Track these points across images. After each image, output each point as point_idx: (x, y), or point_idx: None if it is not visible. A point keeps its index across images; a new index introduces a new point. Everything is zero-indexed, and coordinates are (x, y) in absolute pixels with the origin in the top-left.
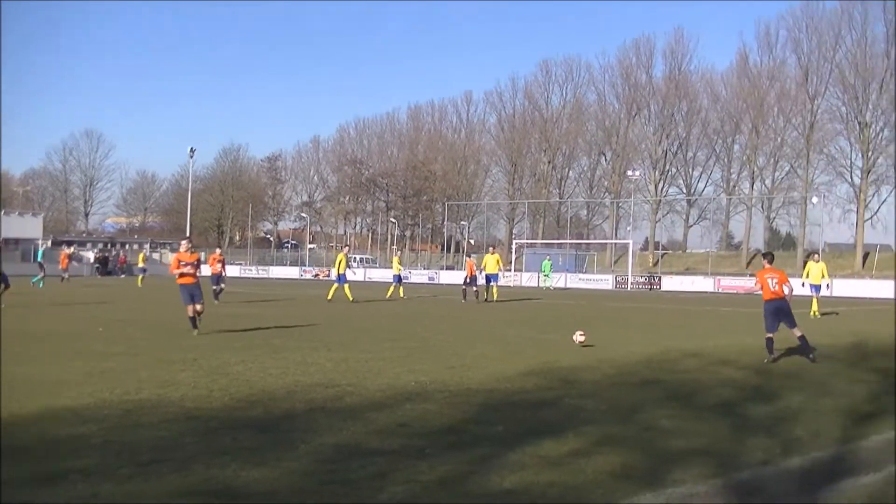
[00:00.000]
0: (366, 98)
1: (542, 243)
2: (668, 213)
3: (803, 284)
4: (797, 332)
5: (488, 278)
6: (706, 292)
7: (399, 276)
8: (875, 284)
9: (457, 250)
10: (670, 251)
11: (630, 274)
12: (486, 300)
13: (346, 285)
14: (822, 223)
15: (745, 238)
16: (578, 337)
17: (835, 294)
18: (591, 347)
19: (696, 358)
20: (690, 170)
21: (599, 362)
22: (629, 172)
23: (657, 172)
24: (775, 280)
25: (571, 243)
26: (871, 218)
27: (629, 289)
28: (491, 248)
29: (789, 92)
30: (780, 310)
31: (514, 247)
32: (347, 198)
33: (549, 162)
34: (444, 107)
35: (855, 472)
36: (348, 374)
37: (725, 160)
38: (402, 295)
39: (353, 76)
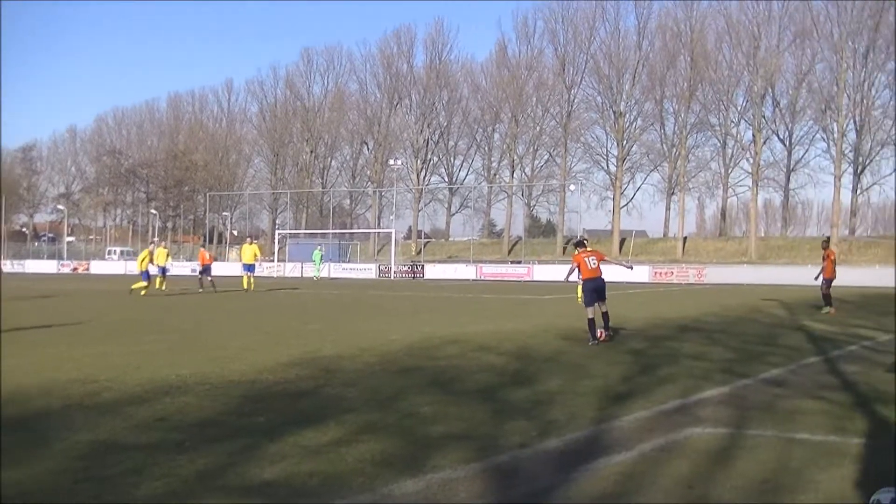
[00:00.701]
0: (124, 87)
1: (305, 233)
2: (430, 201)
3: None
4: (603, 308)
5: (246, 268)
6: (468, 280)
7: (164, 268)
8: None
9: (220, 241)
10: (433, 239)
11: (393, 263)
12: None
13: (160, 278)
14: (580, 210)
15: (506, 225)
16: None
17: None
18: (353, 336)
19: (457, 344)
20: (452, 158)
21: (361, 351)
22: (391, 161)
23: (419, 161)
24: (594, 258)
25: (335, 233)
26: (627, 205)
27: (393, 277)
28: (248, 239)
29: (547, 82)
30: (597, 288)
31: (277, 237)
32: (106, 189)
33: (311, 151)
34: (205, 96)
35: (609, 452)
36: (107, 369)
37: (486, 149)
38: (162, 288)
39: (111, 63)
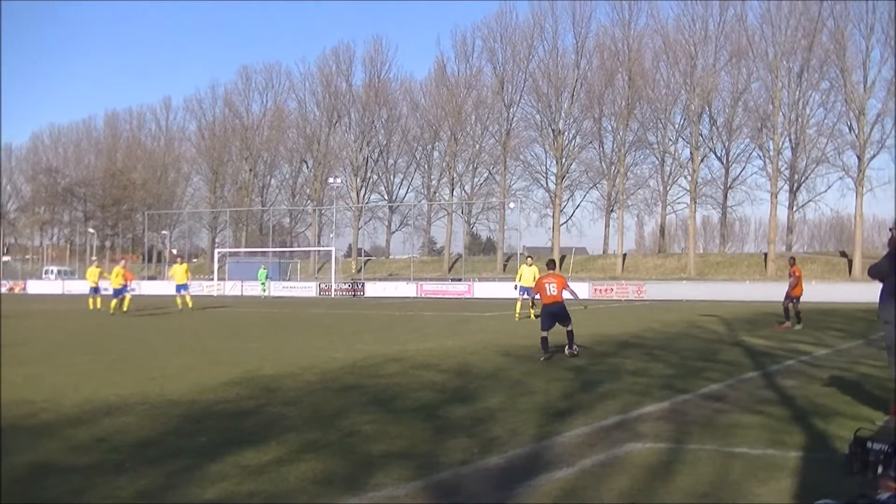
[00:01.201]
0: (60, 104)
1: (245, 252)
2: (370, 219)
3: (516, 287)
4: (569, 327)
5: (178, 288)
6: (409, 297)
7: (121, 288)
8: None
9: (159, 260)
10: (374, 257)
11: (333, 281)
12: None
13: (128, 297)
14: (520, 228)
15: (446, 243)
16: None
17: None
18: (294, 354)
19: (398, 362)
20: (392, 176)
21: (302, 370)
22: (331, 180)
23: (359, 179)
24: (553, 285)
25: (275, 251)
26: (567, 222)
27: (333, 295)
28: (178, 259)
29: (486, 100)
30: (555, 313)
31: (216, 256)
32: (43, 208)
33: (250, 170)
34: (143, 113)
35: (550, 468)
36: (44, 390)
37: (426, 167)
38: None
39: (45, 81)
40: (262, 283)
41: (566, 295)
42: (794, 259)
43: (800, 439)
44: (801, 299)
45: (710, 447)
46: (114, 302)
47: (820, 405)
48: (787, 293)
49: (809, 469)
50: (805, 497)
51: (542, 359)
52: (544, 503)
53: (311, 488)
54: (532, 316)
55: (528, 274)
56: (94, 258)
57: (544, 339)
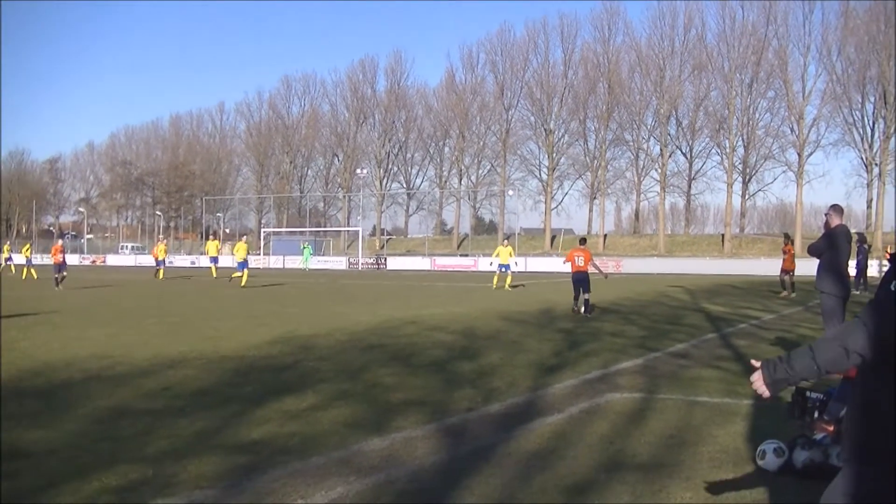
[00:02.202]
0: (133, 108)
1: (286, 231)
2: (391, 204)
3: (491, 264)
4: (586, 296)
5: (212, 260)
6: (424, 270)
7: (243, 262)
8: (560, 261)
9: (214, 238)
10: (394, 236)
11: (360, 256)
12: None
13: (246, 271)
14: (517, 212)
15: (455, 224)
16: None
17: (529, 269)
18: (326, 318)
19: (414, 325)
20: (409, 168)
21: (333, 331)
22: (358, 171)
23: (381, 170)
24: (581, 258)
25: (311, 231)
26: (557, 207)
27: (360, 269)
28: (212, 236)
29: (488, 104)
30: (581, 280)
31: (262, 235)
32: (119, 194)
33: (290, 162)
34: (201, 116)
35: (543, 414)
36: (119, 346)
37: (438, 160)
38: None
39: (122, 89)
40: (305, 257)
41: (591, 269)
42: (788, 237)
43: (750, 390)
44: (796, 273)
45: (676, 397)
46: (241, 273)
47: None
48: (782, 267)
49: (759, 415)
50: (755, 438)
51: (575, 310)
52: (538, 444)
53: (341, 430)
54: (507, 287)
55: (504, 253)
56: (161, 237)
57: (577, 300)
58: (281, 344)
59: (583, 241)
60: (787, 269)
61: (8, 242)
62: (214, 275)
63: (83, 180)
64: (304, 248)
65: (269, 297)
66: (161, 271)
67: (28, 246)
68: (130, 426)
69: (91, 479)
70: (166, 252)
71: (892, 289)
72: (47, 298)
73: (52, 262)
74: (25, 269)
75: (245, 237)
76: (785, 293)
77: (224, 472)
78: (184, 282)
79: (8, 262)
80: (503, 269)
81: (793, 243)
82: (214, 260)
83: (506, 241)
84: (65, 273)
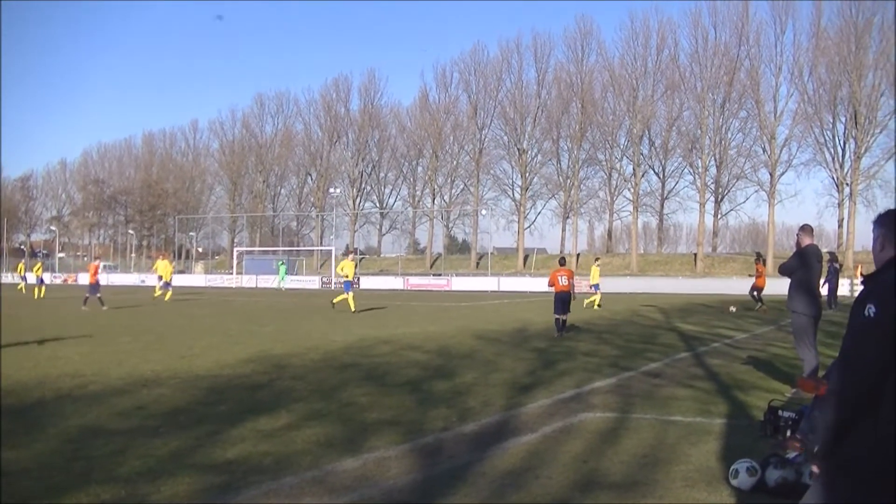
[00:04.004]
0: (106, 125)
1: (259, 250)
2: (364, 223)
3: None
4: (564, 317)
5: (162, 281)
6: (397, 289)
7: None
8: (533, 280)
9: (187, 257)
10: (367, 255)
11: (333, 275)
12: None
13: (351, 294)
14: (490, 231)
15: (428, 244)
16: None
17: (502, 288)
18: (301, 337)
19: (388, 344)
20: (382, 187)
21: (307, 350)
22: (331, 190)
23: (355, 190)
24: (564, 277)
25: (284, 250)
26: (530, 227)
27: (333, 288)
28: (161, 255)
29: (462, 123)
30: (564, 299)
31: (235, 254)
32: (91, 213)
33: (263, 181)
34: (174, 134)
35: (517, 433)
36: (93, 365)
37: (411, 179)
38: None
39: (95, 105)
40: (281, 276)
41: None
42: (760, 256)
43: (723, 409)
44: (705, 290)
45: (650, 416)
46: (343, 296)
47: (740, 380)
48: (753, 285)
49: (731, 433)
50: (728, 457)
51: (556, 336)
52: (512, 463)
53: (315, 450)
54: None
55: (596, 272)
56: (162, 252)
57: (557, 321)
58: (255, 363)
59: (562, 260)
60: (758, 287)
61: (22, 261)
62: (157, 295)
63: (55, 198)
64: (280, 266)
65: (243, 317)
66: (169, 293)
67: (39, 265)
68: (104, 446)
69: (64, 500)
70: (173, 270)
71: (868, 313)
72: (23, 318)
73: (88, 282)
74: (36, 289)
75: (350, 254)
76: (761, 307)
77: (198, 491)
78: (157, 301)
79: (22, 281)
80: (594, 289)
81: (764, 263)
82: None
83: (563, 257)
84: (98, 294)
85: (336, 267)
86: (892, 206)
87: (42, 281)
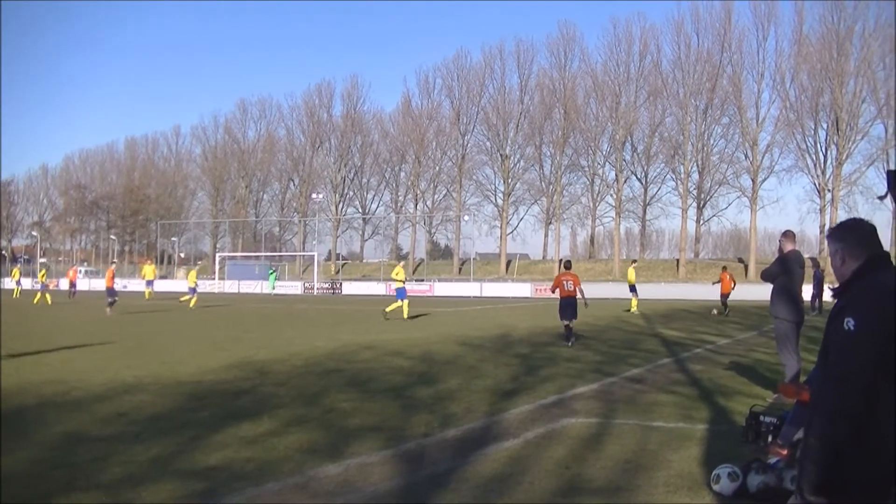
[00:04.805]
0: (88, 130)
1: (241, 255)
2: (347, 229)
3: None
4: (570, 324)
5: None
6: (380, 295)
7: (193, 288)
8: (515, 286)
9: (169, 262)
10: (349, 261)
11: (316, 281)
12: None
13: (406, 301)
14: (473, 237)
15: (411, 249)
16: None
17: (485, 294)
18: (283, 343)
19: (371, 350)
20: (365, 193)
21: (290, 356)
22: (314, 195)
23: (337, 195)
24: (570, 282)
25: (266, 255)
26: (512, 232)
27: (315, 293)
28: (148, 261)
29: (444, 129)
30: (571, 304)
31: (217, 259)
32: (73, 218)
33: (246, 187)
34: (156, 139)
35: (499, 439)
36: (75, 371)
37: (394, 185)
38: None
39: (76, 110)
40: (271, 282)
41: (577, 294)
42: (725, 267)
43: (705, 414)
44: (685, 297)
45: (632, 421)
46: (397, 304)
47: (722, 385)
48: (721, 292)
49: (713, 439)
50: (710, 462)
51: (569, 344)
52: (494, 469)
53: (297, 456)
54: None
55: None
56: (186, 264)
57: (568, 329)
58: (238, 369)
59: (568, 264)
60: (722, 293)
61: (18, 266)
62: (148, 298)
63: (37, 203)
64: (270, 274)
65: (226, 322)
66: (194, 299)
67: (44, 272)
68: (86, 452)
69: None
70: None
71: (848, 327)
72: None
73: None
74: (39, 295)
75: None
76: (717, 312)
77: (180, 498)
78: (140, 307)
79: (19, 286)
80: (633, 292)
81: (725, 270)
82: (150, 283)
83: (569, 260)
84: (116, 298)
85: (392, 272)
86: (872, 212)
87: (45, 287)
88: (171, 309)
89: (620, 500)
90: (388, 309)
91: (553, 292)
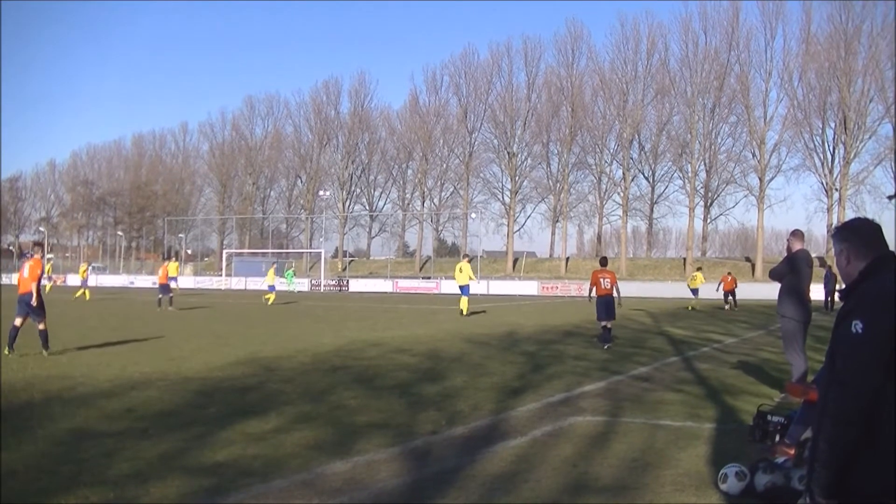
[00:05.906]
0: (96, 127)
1: (248, 252)
2: (353, 226)
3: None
4: (608, 324)
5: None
6: (386, 292)
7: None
8: (522, 284)
9: (176, 259)
10: (356, 258)
11: (323, 278)
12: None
13: (466, 298)
14: (479, 234)
15: (418, 246)
16: None
17: (491, 292)
18: (290, 339)
19: (378, 347)
20: (372, 190)
21: (297, 352)
22: (321, 192)
23: (344, 192)
24: (607, 280)
25: (273, 252)
26: (519, 230)
27: (322, 290)
28: (171, 258)
29: (452, 127)
30: (608, 303)
31: (224, 255)
32: (80, 214)
33: (253, 183)
34: (164, 136)
35: (506, 437)
36: (82, 367)
37: (401, 182)
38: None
39: (84, 107)
40: (290, 280)
41: (614, 293)
42: (729, 273)
43: (713, 413)
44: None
45: (639, 420)
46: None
47: (729, 385)
48: (724, 290)
49: (721, 438)
50: (717, 461)
51: (605, 347)
52: (501, 467)
53: (304, 453)
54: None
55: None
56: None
57: (604, 329)
58: (245, 365)
59: (604, 261)
60: (728, 290)
61: (51, 261)
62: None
63: (44, 199)
64: (287, 273)
65: (232, 318)
66: (272, 296)
67: (85, 267)
68: (92, 448)
69: (52, 502)
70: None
71: (855, 330)
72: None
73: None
74: (80, 290)
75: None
76: (728, 307)
77: (187, 494)
78: (147, 303)
79: (51, 280)
80: (694, 294)
81: (730, 274)
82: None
83: (605, 257)
84: (171, 294)
85: (454, 270)
86: (880, 212)
87: (85, 283)
88: (178, 305)
89: (627, 498)
90: (463, 309)
91: (590, 291)
